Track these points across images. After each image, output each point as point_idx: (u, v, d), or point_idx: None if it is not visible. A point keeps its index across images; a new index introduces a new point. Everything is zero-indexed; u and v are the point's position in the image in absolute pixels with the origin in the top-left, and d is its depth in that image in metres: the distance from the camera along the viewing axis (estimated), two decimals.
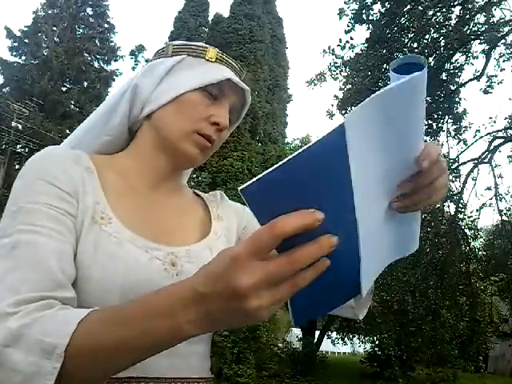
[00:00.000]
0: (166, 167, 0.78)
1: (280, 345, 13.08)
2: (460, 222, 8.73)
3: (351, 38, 8.30)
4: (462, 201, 8.59)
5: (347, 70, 8.69)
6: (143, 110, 0.78)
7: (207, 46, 0.79)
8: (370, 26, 8.08)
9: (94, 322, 0.51)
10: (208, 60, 0.77)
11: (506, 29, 7.34)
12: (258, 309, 0.43)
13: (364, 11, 7.98)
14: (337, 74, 8.83)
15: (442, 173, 0.55)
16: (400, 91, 0.43)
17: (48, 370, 0.49)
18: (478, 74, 8.13)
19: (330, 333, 15.86)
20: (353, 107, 8.57)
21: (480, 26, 7.65)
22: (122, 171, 0.76)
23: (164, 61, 0.78)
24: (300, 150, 0.39)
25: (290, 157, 0.39)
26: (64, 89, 24.25)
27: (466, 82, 8.41)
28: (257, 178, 0.39)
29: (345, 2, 8.04)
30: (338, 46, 8.34)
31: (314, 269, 0.44)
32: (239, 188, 0.40)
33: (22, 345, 0.50)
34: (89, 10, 26.09)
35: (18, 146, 22.20)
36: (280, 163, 0.39)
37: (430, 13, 7.67)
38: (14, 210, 0.62)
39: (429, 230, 8.38)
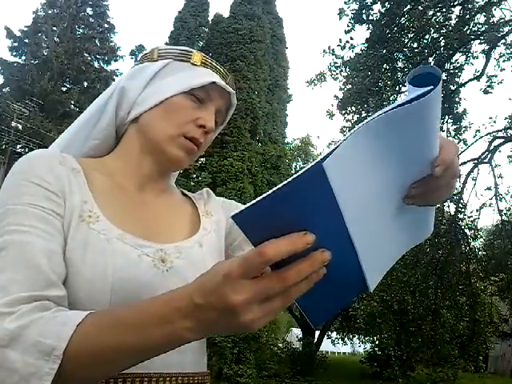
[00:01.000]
0: (152, 169, 0.79)
1: (280, 345, 13.09)
2: (460, 222, 8.73)
3: (351, 38, 8.31)
4: (462, 201, 8.59)
5: (347, 70, 8.69)
6: (130, 113, 0.79)
7: (192, 50, 0.80)
8: (370, 26, 8.08)
9: (93, 325, 0.52)
10: (193, 64, 0.78)
11: (506, 29, 7.35)
12: (250, 322, 0.45)
13: (364, 11, 7.98)
14: (337, 74, 8.84)
15: (454, 177, 0.57)
16: (411, 110, 0.44)
17: (45, 371, 0.50)
18: (478, 74, 8.13)
19: (329, 333, 15.86)
20: (353, 107, 8.59)
21: (480, 26, 7.65)
22: (109, 172, 0.77)
23: (150, 65, 0.79)
24: (284, 182, 0.40)
25: (276, 188, 0.40)
26: (64, 89, 24.27)
27: (466, 82, 8.41)
28: (246, 205, 0.41)
29: (345, 2, 8.04)
30: (338, 45, 8.34)
31: (307, 281, 0.45)
32: (231, 215, 0.42)
33: (19, 345, 0.51)
34: (89, 10, 26.11)
35: (18, 146, 22.22)
36: (267, 193, 0.40)
37: (430, 13, 7.67)
38: (0, 212, 0.63)
39: None
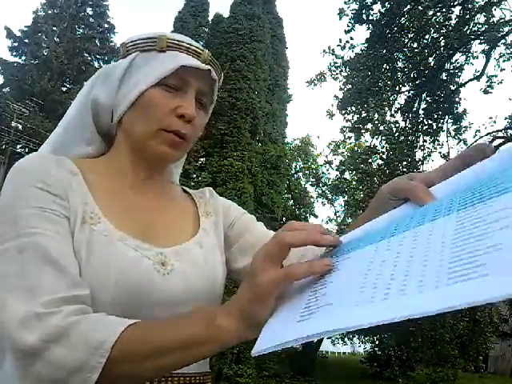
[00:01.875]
0: (145, 169, 0.77)
1: None
2: None
3: (351, 38, 8.33)
4: None
5: (347, 69, 8.70)
6: (113, 117, 0.77)
7: (158, 34, 0.74)
8: (370, 26, 8.08)
9: (139, 331, 0.54)
10: (160, 51, 0.72)
11: (506, 29, 7.35)
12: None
13: (364, 11, 7.98)
14: (337, 74, 8.85)
15: None
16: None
17: (92, 364, 0.51)
18: (478, 74, 8.13)
19: None
20: (353, 107, 8.58)
21: (480, 26, 7.66)
22: (106, 174, 0.75)
23: (119, 63, 0.76)
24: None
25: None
26: (64, 89, 24.26)
27: (466, 82, 8.41)
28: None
29: (345, 2, 8.05)
30: (338, 46, 8.35)
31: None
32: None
33: (68, 341, 0.52)
34: (89, 10, 26.11)
35: (18, 146, 22.22)
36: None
37: (430, 13, 7.68)
38: (10, 217, 0.62)
39: None
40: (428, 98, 8.50)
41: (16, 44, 24.41)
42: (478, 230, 0.37)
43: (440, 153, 8.95)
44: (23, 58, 24.31)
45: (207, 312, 0.54)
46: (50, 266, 0.58)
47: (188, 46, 0.73)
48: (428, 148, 8.75)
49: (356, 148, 12.29)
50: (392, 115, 8.78)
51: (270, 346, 0.44)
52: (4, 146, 21.59)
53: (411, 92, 8.49)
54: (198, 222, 0.81)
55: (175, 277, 0.68)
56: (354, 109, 8.72)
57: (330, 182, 16.20)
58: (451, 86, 8.36)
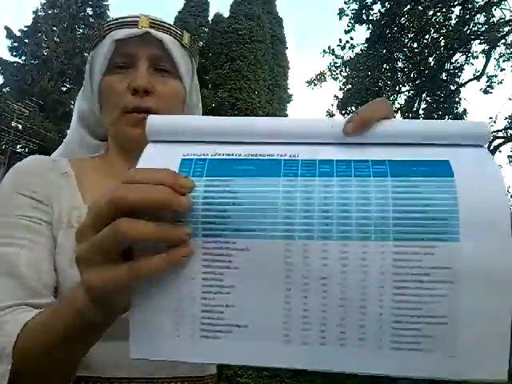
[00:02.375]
0: (129, 159, 0.73)
1: None
2: None
3: (351, 38, 8.33)
4: None
5: (347, 69, 8.70)
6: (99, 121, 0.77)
7: (101, 25, 0.73)
8: (370, 25, 8.08)
9: (38, 322, 0.50)
10: (103, 38, 0.71)
11: (506, 29, 7.35)
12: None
13: (364, 11, 7.98)
14: (337, 74, 8.84)
15: None
16: None
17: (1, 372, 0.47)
18: (478, 74, 8.14)
19: None
20: (353, 107, 8.59)
21: (480, 26, 7.66)
22: (102, 171, 0.74)
23: (86, 67, 0.76)
24: None
25: None
26: (64, 89, 24.26)
27: (466, 82, 8.42)
28: None
29: (345, 2, 8.05)
30: (338, 46, 8.35)
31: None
32: None
33: None
34: (89, 10, 26.11)
35: (18, 146, 22.22)
36: None
37: (430, 13, 7.68)
38: None
39: None
40: (428, 98, 8.51)
41: (16, 44, 24.41)
42: (419, 272, 0.34)
43: None
44: (23, 58, 24.31)
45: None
46: (11, 274, 0.57)
47: (122, 19, 0.70)
48: None
49: None
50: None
51: (156, 358, 0.37)
52: (4, 146, 21.60)
53: (411, 92, 8.50)
54: None
55: None
56: (354, 109, 8.72)
57: None
58: (451, 86, 8.36)
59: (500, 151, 8.64)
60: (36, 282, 0.59)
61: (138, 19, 0.69)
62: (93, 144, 0.80)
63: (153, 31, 0.69)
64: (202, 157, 0.40)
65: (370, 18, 8.06)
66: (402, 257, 0.34)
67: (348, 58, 8.53)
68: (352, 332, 0.34)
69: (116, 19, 0.71)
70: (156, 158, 0.41)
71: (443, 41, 7.75)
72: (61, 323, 0.45)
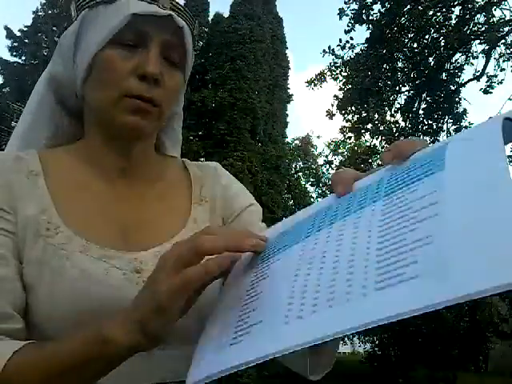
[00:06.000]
0: (119, 149, 0.64)
1: None
2: None
3: (351, 38, 8.32)
4: None
5: (347, 69, 8.69)
6: (77, 94, 0.66)
7: None
8: (370, 26, 8.08)
9: (25, 358, 0.48)
10: (106, 2, 0.60)
11: (506, 29, 7.35)
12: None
13: (364, 11, 7.98)
14: (337, 74, 8.83)
15: None
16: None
17: None
18: (478, 74, 8.13)
19: None
20: (353, 107, 8.59)
21: (480, 26, 7.65)
22: (76, 164, 0.65)
23: (69, 29, 0.64)
24: None
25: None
26: None
27: (466, 82, 8.41)
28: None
29: (345, 2, 8.04)
30: (338, 46, 8.34)
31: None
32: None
33: None
34: None
35: None
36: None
37: (430, 13, 7.68)
38: None
39: None
40: (428, 98, 8.50)
41: (16, 44, 24.40)
42: (405, 219, 0.33)
43: None
44: (23, 58, 24.30)
45: (96, 325, 0.47)
46: None
47: None
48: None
49: (356, 148, 12.29)
50: (392, 115, 8.78)
51: (205, 376, 0.38)
52: (4, 146, 21.55)
53: (411, 92, 8.50)
54: (189, 211, 0.68)
55: None
56: (353, 109, 8.72)
57: (330, 182, 16.21)
58: (451, 86, 8.35)
59: None
60: (6, 304, 0.53)
61: None
62: (65, 124, 0.70)
63: (175, 15, 0.60)
64: None
65: (370, 18, 8.06)
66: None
67: (348, 58, 8.52)
68: (340, 291, 0.34)
69: None
70: None
71: (443, 41, 7.75)
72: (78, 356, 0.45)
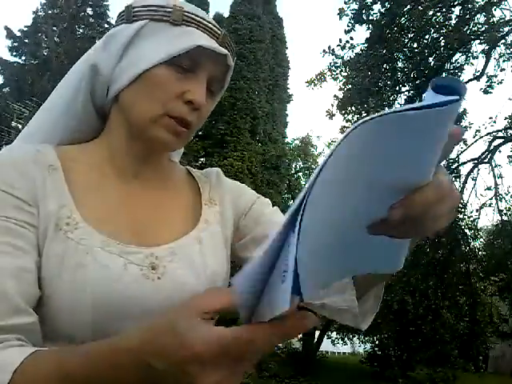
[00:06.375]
0: (140, 154, 0.68)
1: (280, 345, 13.08)
2: (460, 222, 8.73)
3: (351, 38, 8.30)
4: (462, 201, 8.60)
5: (347, 69, 8.69)
6: (109, 91, 0.67)
7: (172, 4, 0.64)
8: (370, 26, 8.07)
9: (34, 372, 0.47)
10: (174, 23, 0.63)
11: (506, 29, 7.35)
12: None
13: (364, 11, 7.97)
14: (337, 74, 8.83)
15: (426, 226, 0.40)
16: (424, 117, 0.35)
17: None
18: (478, 74, 8.13)
19: (329, 333, 15.85)
20: (353, 107, 8.59)
21: (480, 26, 7.65)
22: (93, 163, 0.67)
23: (124, 29, 0.65)
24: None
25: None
26: None
27: (466, 82, 8.40)
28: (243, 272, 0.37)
29: (345, 2, 8.04)
30: (338, 46, 8.34)
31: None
32: (231, 281, 0.38)
33: None
34: (89, 10, 26.09)
35: None
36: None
37: (430, 13, 7.67)
38: None
39: None
40: None
41: (16, 44, 24.41)
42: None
43: None
44: (23, 58, 24.31)
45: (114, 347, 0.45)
46: None
47: (206, 23, 0.65)
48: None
49: None
50: None
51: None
52: (4, 146, 21.57)
53: (411, 92, 8.50)
54: (200, 211, 0.71)
55: (167, 281, 0.61)
56: (353, 109, 8.71)
57: None
58: None
59: (500, 151, 8.65)
60: (20, 298, 0.54)
61: (219, 32, 0.66)
62: (90, 117, 0.70)
63: (228, 55, 0.67)
64: None
65: (370, 18, 8.05)
66: None
67: (348, 58, 8.52)
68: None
69: (197, 15, 0.64)
70: None
71: (443, 41, 7.75)
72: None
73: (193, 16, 0.64)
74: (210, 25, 0.65)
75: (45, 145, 0.66)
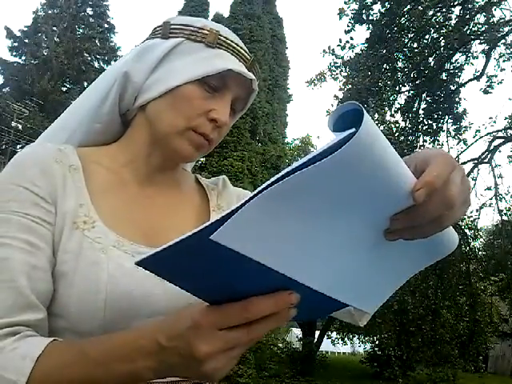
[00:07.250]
0: (159, 162, 0.72)
1: (280, 345, 13.07)
2: (460, 222, 8.73)
3: (351, 38, 8.30)
4: None
5: (347, 69, 8.69)
6: (136, 99, 0.71)
7: (209, 27, 0.69)
8: (370, 26, 8.07)
9: (55, 358, 0.51)
10: (208, 45, 0.68)
11: (506, 29, 7.35)
12: (213, 371, 0.45)
13: (364, 11, 7.97)
14: (337, 74, 8.83)
15: (449, 203, 0.41)
16: (328, 166, 0.35)
17: None
18: (478, 74, 8.13)
19: (329, 333, 15.85)
20: None
21: (480, 26, 7.65)
22: (111, 165, 0.70)
23: (159, 43, 0.69)
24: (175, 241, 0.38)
25: (176, 241, 0.37)
26: (64, 89, 24.28)
27: (466, 82, 8.41)
28: (148, 253, 0.38)
29: (345, 2, 8.04)
30: (338, 46, 8.34)
31: (274, 321, 0.44)
32: (135, 262, 0.38)
33: None
34: (89, 10, 26.11)
35: (18, 146, 22.21)
36: (169, 244, 0.38)
37: (430, 13, 7.67)
38: None
39: None
40: (428, 98, 8.50)
41: (16, 44, 24.43)
42: None
43: None
44: (23, 57, 24.32)
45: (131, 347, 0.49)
46: (5, 286, 0.54)
47: (239, 48, 0.70)
48: (428, 148, 8.73)
49: None
50: (392, 115, 8.78)
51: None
52: (4, 146, 21.61)
53: (411, 92, 8.50)
54: (208, 217, 0.75)
55: None
56: None
57: None
58: (451, 86, 8.35)
59: (500, 151, 8.65)
60: (32, 293, 0.55)
61: (248, 57, 0.71)
62: (115, 119, 0.74)
63: (254, 80, 0.71)
64: None
65: (370, 18, 8.05)
66: None
67: (348, 58, 8.52)
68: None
69: (231, 41, 0.70)
70: None
71: (443, 41, 7.75)
72: (111, 376, 0.49)
73: (226, 40, 0.69)
74: (242, 50, 0.71)
75: (67, 145, 0.69)
